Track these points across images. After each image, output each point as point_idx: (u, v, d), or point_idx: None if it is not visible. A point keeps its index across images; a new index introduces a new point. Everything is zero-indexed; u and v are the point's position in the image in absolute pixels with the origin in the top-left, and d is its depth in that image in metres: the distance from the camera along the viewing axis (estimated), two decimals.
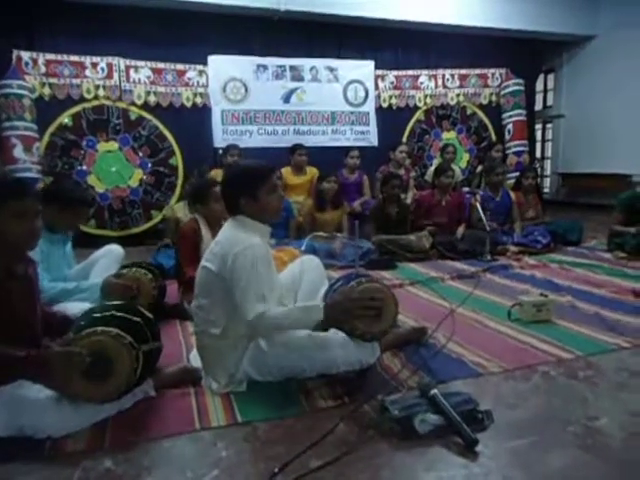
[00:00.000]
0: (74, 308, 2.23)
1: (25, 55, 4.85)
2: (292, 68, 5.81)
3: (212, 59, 5.50)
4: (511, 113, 6.38)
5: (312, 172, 5.23)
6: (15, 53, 4.80)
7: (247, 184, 1.80)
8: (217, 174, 4.76)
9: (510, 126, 6.38)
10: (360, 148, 5.58)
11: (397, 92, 6.22)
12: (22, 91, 4.71)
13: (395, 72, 6.22)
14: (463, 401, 1.53)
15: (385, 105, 6.20)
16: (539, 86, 8.04)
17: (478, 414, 1.51)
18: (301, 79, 5.85)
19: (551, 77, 8.25)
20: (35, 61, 4.89)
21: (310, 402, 1.70)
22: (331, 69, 5.98)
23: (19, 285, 1.58)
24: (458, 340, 2.24)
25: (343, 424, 1.53)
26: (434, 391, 1.53)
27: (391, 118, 6.23)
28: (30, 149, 4.72)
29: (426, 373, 1.87)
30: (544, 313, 2.51)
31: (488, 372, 1.92)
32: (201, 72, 5.47)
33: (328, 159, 5.55)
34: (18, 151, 4.65)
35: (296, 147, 5.19)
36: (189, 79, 5.44)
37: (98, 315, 1.68)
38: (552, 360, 2.01)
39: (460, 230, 4.55)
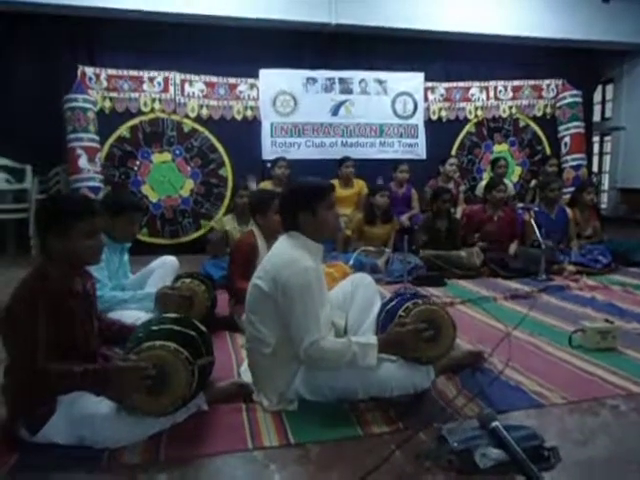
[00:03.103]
0: (129, 317, 2.30)
1: (89, 70, 5.11)
2: (341, 81, 5.84)
3: (263, 73, 5.60)
4: (568, 125, 6.12)
5: (359, 185, 5.21)
6: (80, 69, 5.06)
7: (307, 199, 1.79)
8: (266, 186, 4.83)
9: (567, 139, 6.12)
10: (408, 161, 5.51)
11: (447, 104, 6.11)
12: (86, 104, 4.95)
13: (445, 84, 6.13)
14: (527, 436, 1.44)
15: (434, 117, 6.10)
16: (597, 97, 7.69)
17: (544, 451, 1.42)
18: (350, 92, 5.86)
19: (610, 88, 7.89)
20: (98, 76, 5.14)
21: (363, 426, 1.65)
22: (380, 81, 5.96)
23: (78, 302, 1.62)
24: (516, 366, 2.13)
25: (398, 452, 1.48)
26: (495, 423, 1.45)
27: (440, 131, 6.12)
28: (93, 159, 4.96)
29: (483, 401, 1.79)
30: (609, 341, 2.35)
31: (550, 403, 1.81)
32: (252, 85, 5.58)
33: (376, 172, 5.53)
34: (83, 161, 4.89)
35: (344, 160, 5.19)
36: (240, 92, 5.56)
37: (156, 328, 1.71)
38: (621, 393, 1.88)
39: (513, 247, 4.39)
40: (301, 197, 1.81)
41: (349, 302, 2.10)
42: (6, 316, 1.46)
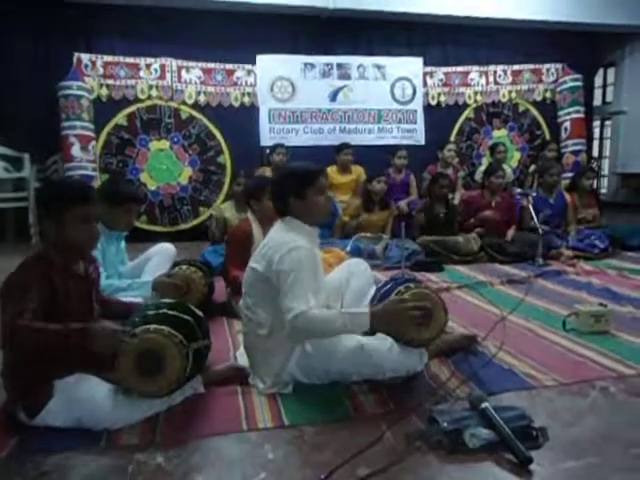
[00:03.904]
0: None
1: (85, 57, 5.08)
2: (339, 66, 5.80)
3: (260, 58, 5.57)
4: (568, 110, 6.08)
5: (358, 171, 5.21)
6: (76, 55, 5.04)
7: (296, 184, 1.83)
8: (264, 172, 4.84)
9: (567, 124, 6.08)
10: (407, 147, 5.50)
11: (446, 89, 6.07)
12: (81, 92, 4.93)
13: (444, 69, 6.08)
14: (516, 416, 1.47)
15: (433, 103, 6.06)
16: (598, 81, 7.62)
17: (532, 431, 1.44)
18: (348, 77, 5.82)
19: (611, 71, 7.80)
20: (94, 63, 5.11)
21: (356, 407, 1.68)
22: (378, 66, 5.92)
23: (77, 284, 1.64)
24: (509, 349, 2.15)
25: (390, 432, 1.51)
26: (485, 404, 1.48)
27: (439, 116, 6.09)
28: (86, 148, 4.95)
29: (475, 384, 1.81)
30: (602, 324, 2.38)
31: (541, 385, 1.84)
32: (249, 72, 5.55)
33: (374, 158, 5.52)
34: (76, 149, 4.88)
35: (342, 147, 5.18)
36: (238, 79, 5.53)
37: (151, 313, 1.73)
38: (612, 375, 1.91)
39: (510, 232, 4.40)
40: (291, 183, 1.84)
41: (344, 287, 2.13)
42: (2, 289, 1.49)
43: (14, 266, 1.57)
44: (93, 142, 5.05)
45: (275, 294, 1.73)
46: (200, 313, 1.85)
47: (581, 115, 6.13)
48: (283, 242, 1.76)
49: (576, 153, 5.99)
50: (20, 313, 1.42)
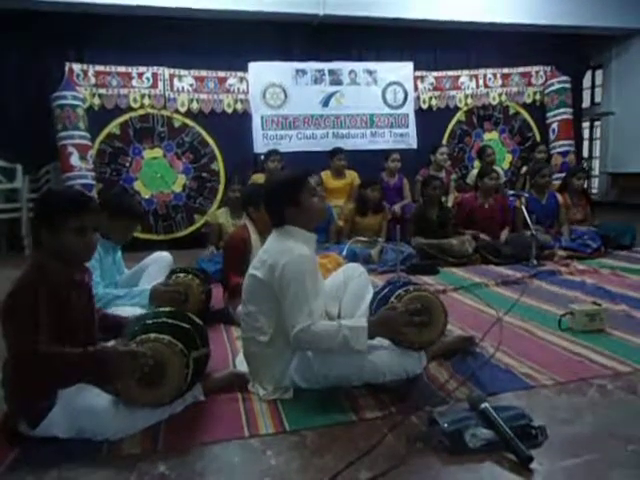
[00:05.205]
0: (124, 313, 2.32)
1: (76, 67, 5.08)
2: (331, 72, 5.83)
3: (252, 66, 5.59)
4: (556, 112, 6.16)
5: (351, 176, 5.23)
6: (67, 65, 5.04)
7: (288, 192, 1.83)
8: (259, 178, 4.85)
9: (555, 125, 6.16)
10: (399, 151, 5.53)
11: (437, 93, 6.13)
12: (76, 102, 4.94)
13: (435, 73, 6.14)
14: (516, 416, 1.48)
15: (425, 106, 6.12)
16: (586, 83, 7.73)
17: (532, 430, 1.46)
18: (340, 83, 5.86)
19: (599, 73, 7.91)
20: (85, 73, 5.11)
21: (357, 411, 1.69)
22: (370, 72, 5.96)
23: (78, 291, 1.64)
24: (506, 350, 2.18)
25: (391, 435, 1.52)
26: (485, 405, 1.49)
27: (431, 120, 6.14)
28: (85, 157, 4.95)
29: (474, 385, 1.83)
30: (597, 322, 2.41)
31: (539, 385, 1.85)
32: (242, 79, 5.58)
33: (367, 162, 5.54)
34: (75, 159, 4.88)
35: (335, 151, 5.20)
36: (230, 86, 5.55)
37: (150, 322, 1.73)
38: (608, 373, 1.93)
39: (504, 234, 4.43)
40: (282, 193, 1.84)
41: (342, 292, 2.14)
42: (7, 303, 1.47)
43: (7, 277, 1.57)
44: (91, 151, 5.05)
45: (276, 301, 1.74)
46: (199, 321, 1.86)
47: (569, 117, 6.20)
48: (285, 249, 1.76)
49: (564, 154, 6.06)
50: (34, 339, 1.43)
